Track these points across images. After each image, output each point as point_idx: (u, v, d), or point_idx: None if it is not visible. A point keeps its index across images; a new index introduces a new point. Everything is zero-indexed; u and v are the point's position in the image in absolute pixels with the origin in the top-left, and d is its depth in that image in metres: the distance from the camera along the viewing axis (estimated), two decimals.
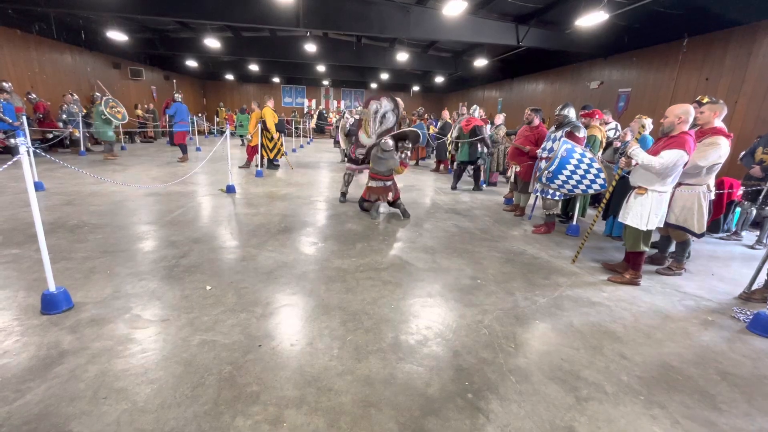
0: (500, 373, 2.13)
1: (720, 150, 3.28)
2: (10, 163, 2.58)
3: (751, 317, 2.85)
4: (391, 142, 4.93)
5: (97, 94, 10.35)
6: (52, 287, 2.50)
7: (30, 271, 3.07)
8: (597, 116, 5.02)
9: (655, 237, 4.70)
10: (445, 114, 10.40)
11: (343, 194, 6.04)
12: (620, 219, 3.47)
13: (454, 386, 2.00)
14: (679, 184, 3.56)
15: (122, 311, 2.56)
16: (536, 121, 5.37)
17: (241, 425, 1.69)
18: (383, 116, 5.09)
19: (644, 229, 3.26)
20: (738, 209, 5.15)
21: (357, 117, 8.08)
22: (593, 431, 1.76)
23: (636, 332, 2.64)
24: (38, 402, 1.76)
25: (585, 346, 2.44)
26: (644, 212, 3.24)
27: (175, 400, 1.81)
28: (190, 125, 11.85)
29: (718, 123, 3.42)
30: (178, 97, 9.98)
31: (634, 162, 3.23)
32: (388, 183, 5.15)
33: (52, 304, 2.49)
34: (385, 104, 5.05)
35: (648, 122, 4.35)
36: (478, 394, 1.96)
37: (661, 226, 3.43)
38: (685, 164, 3.12)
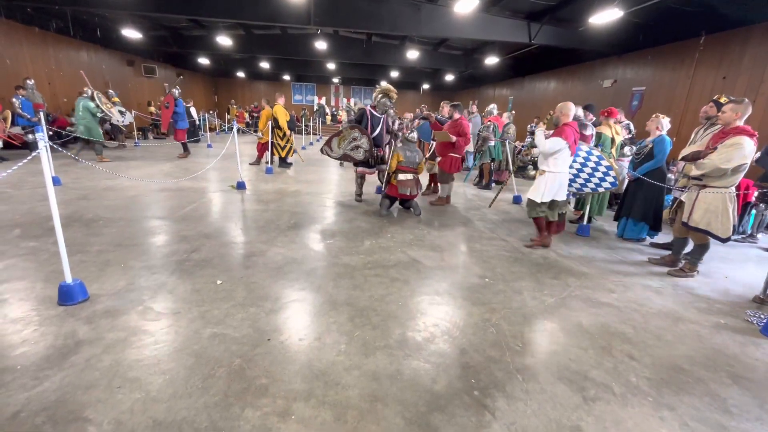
0: (507, 371, 2.13)
1: (744, 150, 3.16)
2: (29, 158, 2.66)
3: (765, 321, 2.79)
4: (415, 135, 5.36)
5: (87, 89, 8.33)
6: (68, 279, 2.57)
7: (47, 263, 3.16)
8: (609, 114, 4.98)
9: (667, 238, 4.64)
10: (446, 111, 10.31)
11: (359, 195, 6.02)
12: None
13: (460, 383, 2.01)
14: (703, 186, 3.46)
15: (135, 303, 2.62)
16: (456, 116, 5.81)
17: (250, 416, 1.72)
18: (356, 147, 5.36)
19: (539, 201, 4.01)
20: (753, 211, 5.04)
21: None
22: (600, 431, 1.75)
23: (646, 333, 2.62)
24: (55, 389, 1.82)
25: (593, 346, 2.42)
26: (540, 188, 4.01)
27: (186, 391, 1.85)
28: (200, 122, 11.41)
29: (742, 123, 3.31)
30: (176, 93, 9.40)
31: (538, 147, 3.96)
32: (416, 176, 5.24)
33: (68, 296, 2.56)
34: (364, 141, 5.35)
35: (665, 121, 4.28)
36: (484, 391, 1.96)
37: (559, 199, 4.01)
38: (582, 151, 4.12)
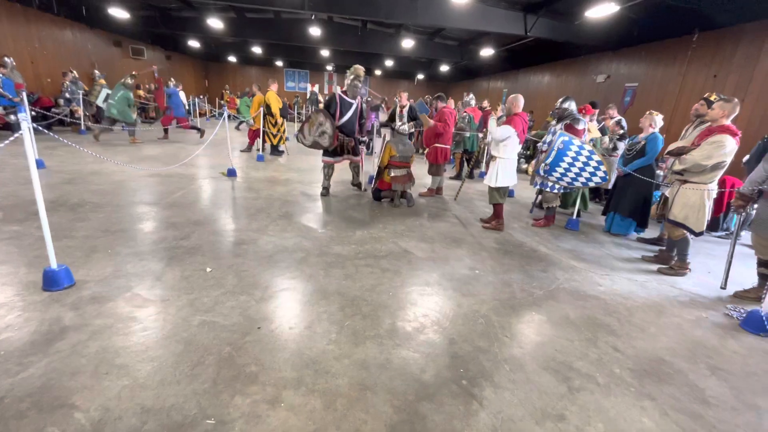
0: (495, 361, 2.17)
1: (725, 149, 3.27)
2: (11, 139, 2.57)
3: (744, 315, 2.88)
4: (406, 127, 5.32)
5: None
6: (53, 264, 2.52)
7: (31, 248, 3.09)
8: (585, 111, 5.08)
9: (653, 234, 4.73)
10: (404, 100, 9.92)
11: (326, 188, 5.54)
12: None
13: (449, 373, 2.04)
14: (684, 181, 3.57)
15: (123, 290, 2.59)
16: (440, 105, 6.00)
17: (239, 404, 1.72)
18: (323, 133, 5.19)
19: (494, 185, 4.38)
20: None
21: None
22: (583, 420, 1.80)
23: (630, 326, 2.68)
24: (40, 375, 1.79)
25: (579, 338, 2.47)
26: (493, 175, 4.38)
27: (174, 378, 1.84)
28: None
29: (728, 121, 3.37)
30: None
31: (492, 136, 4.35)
32: (409, 170, 5.23)
33: (53, 281, 2.51)
34: (327, 126, 5.15)
35: (659, 119, 4.33)
36: (472, 381, 1.99)
37: (509, 185, 4.41)
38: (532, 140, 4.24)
